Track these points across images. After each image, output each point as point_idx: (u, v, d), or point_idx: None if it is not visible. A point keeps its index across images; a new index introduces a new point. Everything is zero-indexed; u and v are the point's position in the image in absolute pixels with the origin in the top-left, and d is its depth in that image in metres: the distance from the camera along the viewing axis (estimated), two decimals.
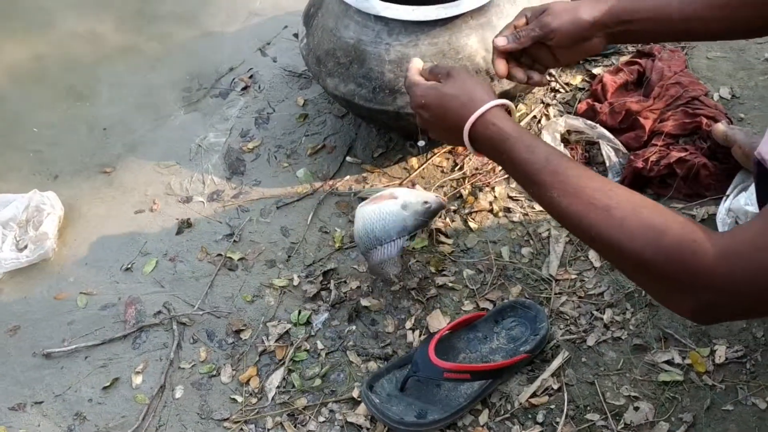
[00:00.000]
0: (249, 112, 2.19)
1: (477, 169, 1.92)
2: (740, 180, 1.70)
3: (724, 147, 1.72)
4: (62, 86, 2.39)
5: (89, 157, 2.16)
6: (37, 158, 2.19)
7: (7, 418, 1.68)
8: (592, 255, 1.71)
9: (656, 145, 1.78)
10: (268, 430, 1.58)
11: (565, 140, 1.90)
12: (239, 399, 1.63)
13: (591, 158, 1.88)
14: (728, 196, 1.69)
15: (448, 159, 1.96)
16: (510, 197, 1.86)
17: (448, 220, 1.84)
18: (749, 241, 0.92)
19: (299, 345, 1.69)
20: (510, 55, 1.40)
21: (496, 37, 1.38)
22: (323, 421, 1.57)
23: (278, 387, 1.63)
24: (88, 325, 1.81)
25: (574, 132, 1.90)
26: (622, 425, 1.46)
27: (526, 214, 1.82)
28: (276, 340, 1.71)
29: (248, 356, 1.70)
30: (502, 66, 1.40)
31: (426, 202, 1.68)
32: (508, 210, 1.84)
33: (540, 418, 1.50)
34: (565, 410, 1.50)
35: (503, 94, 1.75)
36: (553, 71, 2.07)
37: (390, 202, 1.67)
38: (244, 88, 2.26)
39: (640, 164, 1.75)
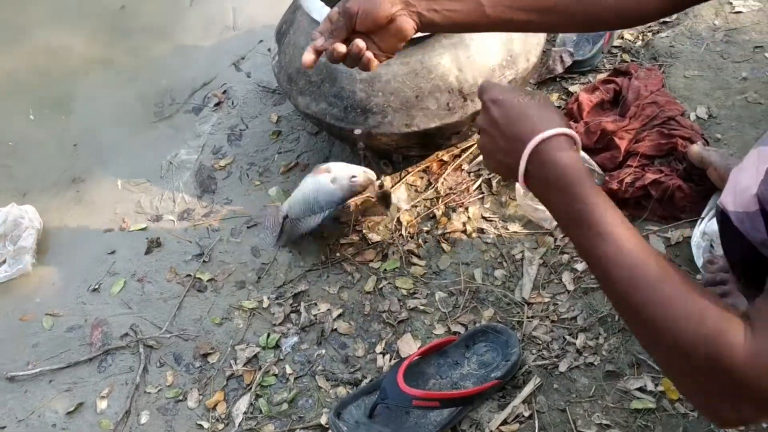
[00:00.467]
0: (222, 128, 2.16)
1: (451, 188, 1.90)
2: (715, 202, 1.68)
3: (700, 169, 1.69)
4: (34, 100, 2.36)
5: (59, 174, 2.13)
6: (6, 174, 2.16)
7: None
8: (566, 278, 1.69)
9: (631, 165, 1.76)
10: None
11: None
12: (206, 425, 1.60)
13: None
14: (703, 218, 1.67)
15: (422, 178, 1.93)
16: (484, 218, 1.83)
17: (420, 240, 1.81)
18: None
19: (267, 369, 1.66)
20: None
21: (314, 31, 1.31)
22: None
23: (245, 413, 1.60)
24: (53, 348, 1.78)
25: None
26: None
27: (500, 235, 1.79)
28: (244, 364, 1.68)
29: (215, 380, 1.67)
30: (308, 57, 1.30)
31: (353, 176, 1.72)
32: (481, 231, 1.81)
33: None
34: None
35: (477, 113, 1.73)
36: (529, 89, 2.04)
37: (325, 174, 1.74)
38: (218, 104, 2.23)
39: (615, 186, 1.73)
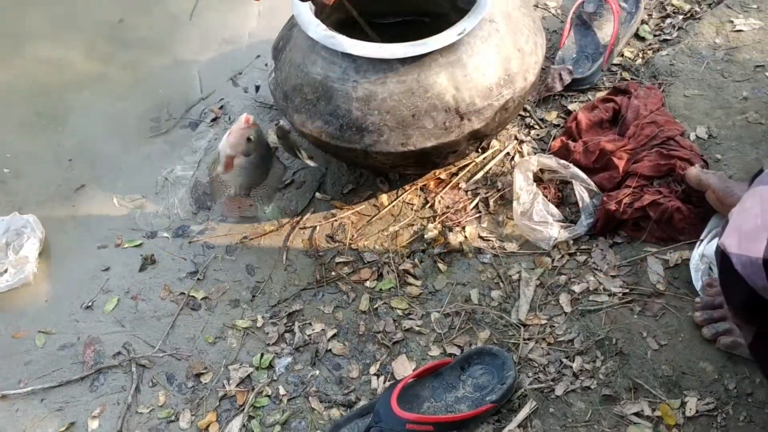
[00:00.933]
0: (218, 143, 2.14)
1: (447, 207, 1.88)
2: (714, 224, 1.67)
3: (699, 191, 1.68)
4: (29, 114, 2.33)
5: (54, 189, 2.11)
6: (1, 189, 2.14)
7: None
8: (563, 299, 1.67)
9: (630, 186, 1.75)
10: None
11: (538, 179, 1.86)
12: None
13: (564, 198, 1.84)
14: (702, 240, 1.66)
15: (419, 196, 1.92)
16: (481, 237, 1.82)
17: (416, 260, 1.80)
18: None
19: (261, 390, 1.64)
20: None
21: None
22: None
23: None
24: (45, 366, 1.76)
25: (547, 171, 1.86)
26: None
27: (497, 255, 1.78)
28: (237, 385, 1.66)
29: (208, 401, 1.65)
30: None
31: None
32: (478, 250, 1.79)
33: None
34: None
35: (474, 133, 1.71)
36: (528, 107, 2.03)
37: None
38: (214, 119, 2.22)
39: (612, 206, 1.71)
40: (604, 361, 1.56)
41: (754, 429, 1.44)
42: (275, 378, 1.66)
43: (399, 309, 1.72)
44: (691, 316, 1.59)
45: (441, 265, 1.78)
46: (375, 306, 1.73)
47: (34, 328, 1.83)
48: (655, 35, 2.18)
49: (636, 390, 1.52)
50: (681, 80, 2.00)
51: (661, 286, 1.65)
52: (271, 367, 1.68)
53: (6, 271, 1.91)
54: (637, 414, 1.48)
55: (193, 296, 1.82)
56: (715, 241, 1.58)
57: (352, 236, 1.87)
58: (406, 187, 1.94)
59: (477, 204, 1.88)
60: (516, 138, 1.99)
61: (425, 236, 1.82)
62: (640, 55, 2.14)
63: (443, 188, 1.92)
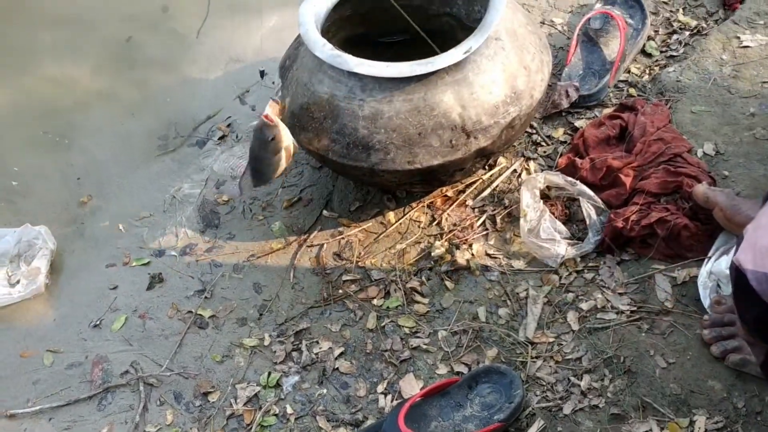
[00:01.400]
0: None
1: (454, 224, 1.88)
2: (722, 242, 1.66)
3: (706, 208, 1.67)
4: (38, 133, 2.35)
5: (62, 208, 2.12)
6: (10, 209, 2.15)
7: None
8: (571, 317, 1.67)
9: (637, 203, 1.74)
10: None
11: (545, 196, 1.86)
12: None
13: (571, 215, 1.84)
14: (710, 258, 1.65)
15: (426, 214, 1.92)
16: (488, 255, 1.82)
17: (423, 278, 1.79)
18: None
19: (268, 409, 1.64)
20: None
21: None
22: None
23: None
24: (53, 385, 1.77)
25: (554, 188, 1.86)
26: None
27: (504, 273, 1.77)
28: (244, 404, 1.66)
29: (215, 420, 1.65)
30: None
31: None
32: (485, 268, 1.79)
33: None
34: None
35: (481, 150, 1.72)
36: (534, 124, 2.03)
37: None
38: (222, 137, 2.22)
39: (620, 224, 1.71)
40: (612, 379, 1.56)
41: None
42: (282, 397, 1.66)
43: (406, 327, 1.72)
44: (699, 334, 1.58)
45: (448, 283, 1.77)
46: (382, 324, 1.73)
47: (42, 347, 1.84)
48: (661, 51, 2.18)
49: (644, 409, 1.51)
50: (688, 96, 2.00)
51: (669, 304, 1.64)
52: (278, 385, 1.68)
53: (18, 281, 1.93)
54: None
55: (200, 315, 1.82)
56: (724, 259, 1.59)
57: (360, 254, 1.87)
58: (413, 204, 1.94)
59: (484, 221, 1.88)
60: (523, 155, 1.98)
61: (432, 254, 1.82)
62: (647, 71, 2.13)
63: (450, 206, 1.92)
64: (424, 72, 1.64)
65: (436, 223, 1.90)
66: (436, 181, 1.86)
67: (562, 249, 1.75)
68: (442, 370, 1.64)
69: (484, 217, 1.89)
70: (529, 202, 1.80)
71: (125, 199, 2.12)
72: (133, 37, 2.60)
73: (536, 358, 1.62)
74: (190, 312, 1.83)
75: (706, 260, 1.65)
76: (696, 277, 1.65)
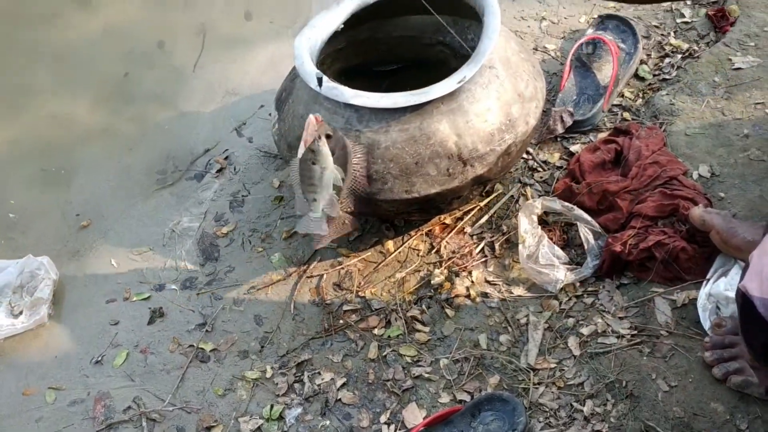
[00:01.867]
0: (224, 194, 2.16)
1: (453, 252, 1.89)
2: (720, 264, 1.67)
3: (703, 230, 1.68)
4: (37, 170, 2.36)
5: (62, 244, 2.12)
6: (9, 245, 2.15)
7: None
8: (572, 342, 1.67)
9: (634, 227, 1.75)
10: None
11: (543, 222, 1.87)
12: None
13: (569, 240, 1.85)
14: (708, 280, 1.66)
15: (424, 242, 1.92)
16: (487, 281, 1.82)
17: (423, 306, 1.80)
18: None
19: None
20: None
21: None
22: None
23: None
24: (56, 422, 1.76)
25: (551, 213, 1.87)
26: None
27: (504, 300, 1.78)
28: None
29: None
30: None
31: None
32: (485, 295, 1.80)
33: None
34: None
35: (477, 178, 1.73)
36: (530, 150, 2.04)
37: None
38: (220, 170, 2.23)
39: (618, 248, 1.72)
40: (615, 404, 1.56)
41: None
42: (286, 429, 1.66)
43: (408, 356, 1.72)
44: (700, 356, 1.58)
45: (448, 311, 1.78)
46: (384, 354, 1.73)
47: (44, 385, 1.83)
48: (654, 75, 2.20)
49: None
50: (682, 119, 2.02)
51: (669, 327, 1.64)
52: (281, 418, 1.68)
53: (21, 312, 1.93)
54: None
55: (202, 348, 1.82)
56: (722, 281, 1.60)
57: (359, 284, 1.88)
58: (412, 232, 1.95)
59: (483, 248, 1.89)
60: (520, 181, 2.00)
61: (432, 282, 1.83)
62: (641, 95, 2.15)
63: (449, 233, 1.93)
64: (419, 102, 1.65)
65: (435, 251, 1.90)
66: (434, 209, 1.87)
67: (561, 274, 1.75)
68: (445, 398, 1.64)
69: (482, 243, 1.89)
70: (527, 228, 1.81)
71: (125, 234, 2.12)
72: (130, 73, 2.61)
73: (538, 384, 1.62)
74: (192, 346, 1.83)
75: (704, 282, 1.66)
76: (695, 299, 1.66)
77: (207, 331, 1.86)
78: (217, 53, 2.63)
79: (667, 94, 2.09)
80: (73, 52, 2.70)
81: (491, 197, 1.97)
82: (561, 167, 2.01)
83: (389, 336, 1.76)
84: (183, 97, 2.51)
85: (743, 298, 1.09)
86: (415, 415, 1.62)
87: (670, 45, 2.26)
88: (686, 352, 1.60)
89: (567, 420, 1.56)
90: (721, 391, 1.53)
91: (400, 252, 1.92)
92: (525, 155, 2.03)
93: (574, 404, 1.58)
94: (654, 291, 1.71)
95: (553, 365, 1.65)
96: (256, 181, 2.18)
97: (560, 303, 1.75)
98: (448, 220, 1.95)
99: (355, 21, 1.92)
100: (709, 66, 2.13)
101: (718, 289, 1.61)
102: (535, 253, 1.78)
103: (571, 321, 1.71)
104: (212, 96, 2.49)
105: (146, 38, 2.70)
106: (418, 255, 1.91)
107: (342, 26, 1.87)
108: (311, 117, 1.61)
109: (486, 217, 1.94)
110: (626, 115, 2.10)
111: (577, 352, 1.66)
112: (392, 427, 1.62)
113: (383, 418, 1.63)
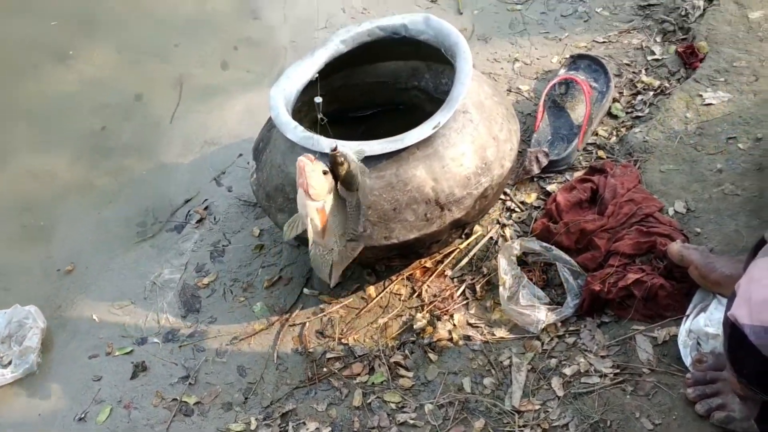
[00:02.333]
0: (204, 245, 2.16)
1: (435, 295, 1.89)
2: (699, 299, 1.68)
3: (681, 266, 1.70)
4: (17, 227, 2.35)
5: (43, 301, 2.10)
6: None
7: None
8: (555, 383, 1.67)
9: (613, 265, 1.77)
10: None
11: (522, 262, 1.88)
12: None
13: (549, 280, 1.86)
14: (688, 316, 1.67)
15: (405, 286, 1.93)
16: (469, 324, 1.83)
17: (406, 351, 1.80)
18: None
19: None
20: None
21: None
22: None
23: None
24: None
25: (530, 254, 1.88)
26: None
27: (487, 342, 1.78)
28: None
29: None
30: None
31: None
32: (468, 338, 1.80)
33: None
34: None
35: (455, 222, 1.74)
36: (507, 190, 2.05)
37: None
38: (200, 221, 2.23)
39: (597, 287, 1.73)
40: None
41: None
42: None
43: (392, 402, 1.72)
44: (683, 393, 1.59)
45: (431, 355, 1.78)
46: (368, 401, 1.73)
47: None
48: (627, 113, 2.22)
49: None
50: (656, 156, 2.04)
51: (651, 364, 1.65)
52: None
53: (11, 362, 1.92)
54: None
55: (185, 402, 1.81)
56: (702, 316, 1.61)
57: (342, 330, 1.88)
58: (393, 277, 1.95)
59: (464, 290, 1.89)
60: (498, 222, 2.01)
61: (414, 326, 1.83)
62: (614, 132, 2.18)
63: (429, 276, 1.93)
64: (395, 149, 1.67)
65: (416, 295, 1.91)
66: (413, 254, 1.88)
67: (543, 315, 1.76)
68: None
69: (463, 286, 1.90)
70: (507, 269, 1.82)
71: (106, 287, 2.12)
72: (107, 126, 2.62)
73: (524, 426, 1.62)
74: (175, 399, 1.82)
75: (684, 319, 1.67)
76: (676, 336, 1.67)
77: (190, 384, 1.85)
78: (195, 104, 2.64)
79: (640, 131, 2.12)
80: (50, 106, 2.71)
81: (470, 239, 1.98)
82: (538, 207, 2.03)
83: (373, 383, 1.76)
84: (161, 149, 2.51)
85: (731, 328, 1.09)
86: None
87: (642, 82, 2.29)
88: (669, 389, 1.61)
89: None
90: (704, 428, 1.54)
91: (381, 297, 1.92)
92: (503, 196, 2.05)
93: None
94: (635, 329, 1.72)
95: (537, 407, 1.65)
96: (236, 230, 2.18)
97: (542, 343, 1.75)
98: (428, 264, 1.96)
99: (329, 69, 1.94)
100: (681, 102, 2.16)
101: (698, 325, 1.62)
102: (516, 294, 1.79)
103: (553, 361, 1.71)
104: (190, 146, 2.50)
105: (123, 91, 2.72)
106: (399, 300, 1.91)
107: (317, 75, 1.89)
108: (302, 160, 1.54)
109: (466, 260, 1.95)
110: (601, 153, 2.12)
111: (560, 393, 1.66)
112: None
113: None
